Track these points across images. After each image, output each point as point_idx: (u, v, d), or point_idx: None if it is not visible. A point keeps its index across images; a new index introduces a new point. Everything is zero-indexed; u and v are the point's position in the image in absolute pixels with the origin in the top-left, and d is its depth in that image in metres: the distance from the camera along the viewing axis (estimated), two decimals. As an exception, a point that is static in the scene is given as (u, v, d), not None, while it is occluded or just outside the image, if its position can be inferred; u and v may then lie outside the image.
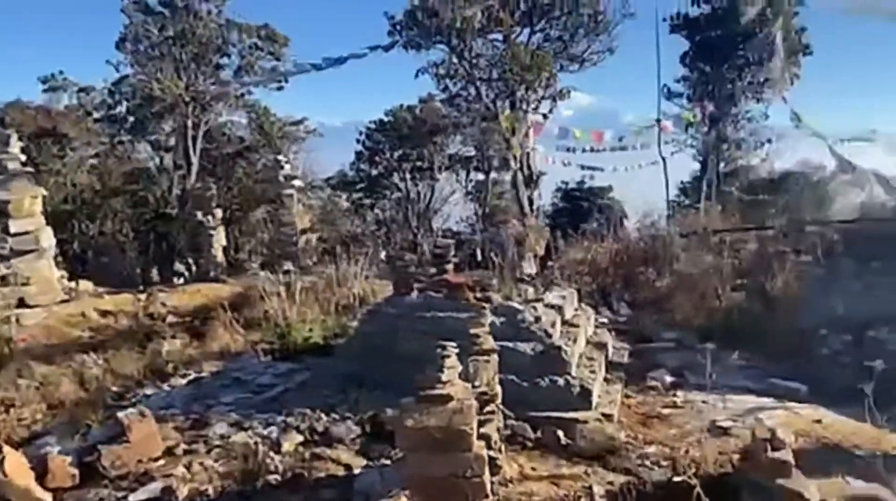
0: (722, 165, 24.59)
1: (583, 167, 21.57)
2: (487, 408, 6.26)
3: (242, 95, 23.95)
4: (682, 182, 25.31)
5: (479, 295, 8.79)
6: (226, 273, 16.36)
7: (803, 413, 7.87)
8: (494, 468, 6.08)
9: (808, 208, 18.44)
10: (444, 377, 5.36)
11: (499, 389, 6.56)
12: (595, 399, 7.87)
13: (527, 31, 21.05)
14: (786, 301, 10.96)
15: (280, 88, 23.65)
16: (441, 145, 24.37)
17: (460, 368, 5.58)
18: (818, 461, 6.83)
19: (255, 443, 7.21)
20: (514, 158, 19.79)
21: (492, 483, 5.73)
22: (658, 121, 21.56)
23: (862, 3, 17.81)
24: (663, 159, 21.78)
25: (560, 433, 7.34)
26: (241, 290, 14.09)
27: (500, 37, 20.82)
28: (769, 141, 24.69)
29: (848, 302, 11.22)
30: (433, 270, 9.56)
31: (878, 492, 6.33)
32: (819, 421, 7.65)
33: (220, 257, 16.82)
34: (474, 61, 20.42)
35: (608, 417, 7.70)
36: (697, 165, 24.67)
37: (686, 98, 24.35)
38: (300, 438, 7.51)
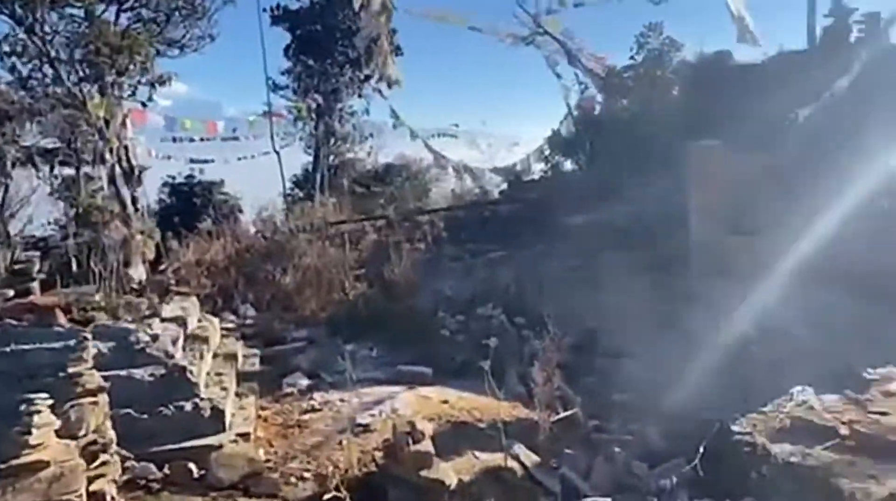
0: (332, 158, 25.30)
1: (192, 160, 20.11)
2: (99, 459, 5.13)
3: None
4: (294, 175, 25.39)
5: (77, 317, 7.34)
6: None
7: (432, 396, 8.25)
8: (114, 529, 5.01)
9: (411, 198, 19.97)
10: (32, 439, 4.16)
11: (112, 433, 5.44)
12: (229, 419, 7.13)
13: (113, 8, 18.63)
14: (405, 288, 11.55)
15: None
16: (13, 136, 20.30)
17: (57, 423, 4.39)
18: (449, 440, 7.20)
19: None
20: (111, 150, 17.40)
21: (112, 551, 4.68)
22: (269, 113, 21.17)
23: (441, 10, 19.84)
24: (277, 152, 21.52)
25: (192, 465, 6.47)
26: None
27: (80, 12, 18.04)
28: (371, 135, 26.19)
29: (455, 284, 12.33)
30: (11, 292, 7.70)
31: (501, 461, 6.91)
32: (446, 402, 8.09)
33: None
34: (49, 38, 17.33)
35: (245, 436, 7.05)
36: (309, 158, 25.00)
37: (292, 91, 24.42)
38: None
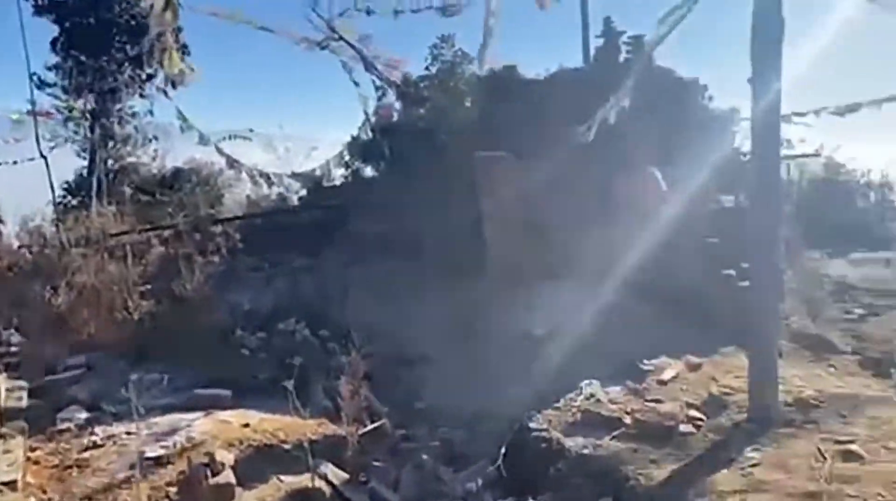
0: (110, 162, 23.13)
1: (-66, 168, 17.34)
2: None
3: None
4: (67, 182, 22.85)
5: None
6: None
7: (232, 421, 7.75)
8: None
9: (203, 205, 18.80)
10: None
11: None
12: (-11, 468, 6.21)
13: None
14: (199, 305, 10.79)
15: None
16: None
17: None
18: (252, 467, 6.86)
19: None
20: None
21: None
22: (34, 112, 18.84)
23: (230, 9, 18.99)
24: (44, 157, 19.18)
25: (-59, 527, 5.54)
26: None
27: None
28: (156, 138, 24.34)
29: (254, 297, 11.81)
30: None
31: (308, 482, 6.68)
32: (248, 425, 7.65)
33: None
34: None
35: (10, 485, 6.17)
36: (83, 163, 22.62)
37: (62, 89, 21.98)
38: None
